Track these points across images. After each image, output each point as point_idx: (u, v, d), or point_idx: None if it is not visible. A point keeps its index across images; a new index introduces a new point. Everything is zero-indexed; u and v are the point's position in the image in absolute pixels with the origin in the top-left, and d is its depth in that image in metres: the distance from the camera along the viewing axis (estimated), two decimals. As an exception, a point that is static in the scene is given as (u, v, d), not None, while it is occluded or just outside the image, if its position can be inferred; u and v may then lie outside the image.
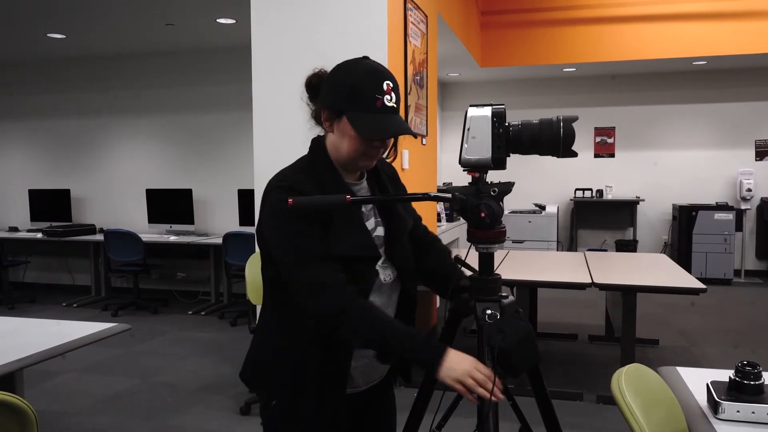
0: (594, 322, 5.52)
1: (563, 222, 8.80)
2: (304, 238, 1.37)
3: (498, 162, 1.39)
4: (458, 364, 1.31)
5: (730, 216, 7.63)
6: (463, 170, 1.43)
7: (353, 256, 1.40)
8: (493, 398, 1.30)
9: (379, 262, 1.49)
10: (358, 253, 1.42)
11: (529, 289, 4.46)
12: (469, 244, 1.46)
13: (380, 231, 1.52)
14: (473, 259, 1.44)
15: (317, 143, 1.50)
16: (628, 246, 8.18)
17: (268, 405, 1.52)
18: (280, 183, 1.41)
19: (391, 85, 1.40)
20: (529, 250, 5.40)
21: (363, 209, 1.49)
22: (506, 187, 1.39)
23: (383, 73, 1.40)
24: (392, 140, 1.47)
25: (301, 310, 1.39)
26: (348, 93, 1.38)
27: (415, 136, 1.35)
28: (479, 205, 1.37)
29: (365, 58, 1.45)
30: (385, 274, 1.50)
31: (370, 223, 1.50)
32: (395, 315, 1.55)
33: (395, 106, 1.40)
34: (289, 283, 1.41)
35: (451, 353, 1.33)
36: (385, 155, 1.50)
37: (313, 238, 1.37)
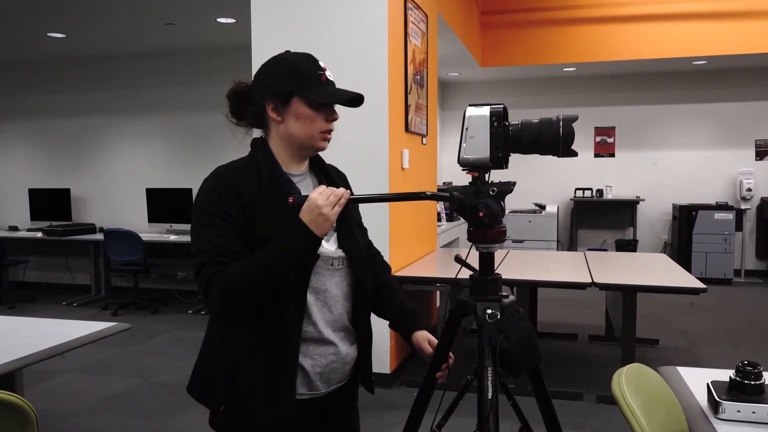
0: (594, 322, 5.52)
1: (563, 222, 8.80)
2: (213, 235, 1.35)
3: (496, 161, 1.39)
4: (311, 213, 1.32)
5: (730, 216, 7.63)
6: (462, 170, 1.43)
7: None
8: None
9: (331, 249, 1.47)
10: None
11: (529, 289, 4.46)
12: (470, 243, 1.46)
13: None
14: (473, 258, 1.44)
15: (259, 142, 1.51)
16: (628, 246, 8.18)
17: (217, 412, 1.46)
18: (212, 173, 1.43)
19: (324, 65, 1.48)
20: (529, 250, 5.40)
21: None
22: (506, 187, 1.39)
23: (313, 56, 1.49)
24: (337, 119, 1.49)
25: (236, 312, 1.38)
26: (292, 75, 1.42)
27: (362, 98, 1.45)
28: (478, 205, 1.37)
29: (288, 51, 1.52)
30: (336, 260, 1.48)
31: None
32: (351, 302, 1.53)
33: (334, 81, 1.48)
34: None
35: (299, 217, 1.32)
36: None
37: (222, 235, 1.35)
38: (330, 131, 1.48)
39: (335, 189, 1.34)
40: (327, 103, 1.43)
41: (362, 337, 1.58)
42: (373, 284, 1.59)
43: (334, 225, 1.43)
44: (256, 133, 1.56)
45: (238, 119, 1.52)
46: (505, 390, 1.50)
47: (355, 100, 1.44)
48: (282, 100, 1.43)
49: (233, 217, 1.36)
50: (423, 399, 1.58)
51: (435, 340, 1.57)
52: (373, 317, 1.63)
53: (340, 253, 1.49)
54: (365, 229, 1.69)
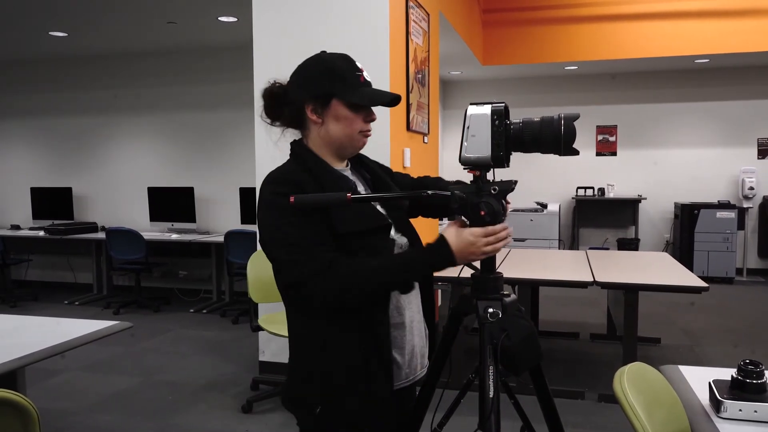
0: (595, 321, 5.51)
1: (565, 220, 8.79)
2: (295, 229, 1.35)
3: (498, 160, 1.38)
4: (464, 245, 1.33)
5: (732, 214, 7.62)
6: (464, 168, 1.43)
7: (364, 230, 1.41)
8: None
9: (392, 233, 1.50)
10: (367, 225, 1.42)
11: (530, 288, 4.46)
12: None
13: (380, 209, 1.54)
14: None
15: (298, 144, 1.52)
16: (629, 244, 8.17)
17: (312, 414, 1.43)
18: (271, 176, 1.44)
19: (361, 65, 1.49)
20: (531, 249, 5.39)
21: (360, 191, 1.52)
22: (507, 186, 1.39)
23: (350, 56, 1.50)
24: (375, 119, 1.51)
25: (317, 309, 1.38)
26: (331, 77, 1.43)
27: (398, 101, 1.47)
28: (479, 204, 1.37)
29: (324, 52, 1.52)
30: (403, 246, 1.51)
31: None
32: (419, 296, 1.56)
33: (371, 81, 1.49)
34: (283, 278, 1.41)
35: (449, 237, 1.35)
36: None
37: (303, 228, 1.35)
38: (369, 131, 1.50)
39: (501, 235, 1.35)
40: (366, 105, 1.45)
41: (429, 316, 1.61)
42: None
43: (386, 215, 1.50)
44: (292, 133, 1.56)
45: (272, 119, 1.53)
46: (507, 389, 1.50)
47: (393, 100, 1.46)
48: (321, 102, 1.44)
49: (310, 217, 1.37)
50: (424, 398, 1.58)
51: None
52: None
53: (404, 239, 1.52)
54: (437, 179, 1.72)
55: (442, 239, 1.35)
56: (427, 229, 4.92)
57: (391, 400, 1.44)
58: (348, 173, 1.54)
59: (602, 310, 5.53)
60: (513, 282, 3.84)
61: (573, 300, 6.38)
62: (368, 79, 1.48)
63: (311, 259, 1.33)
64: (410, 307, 1.51)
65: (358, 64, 1.48)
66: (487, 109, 1.37)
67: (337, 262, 1.33)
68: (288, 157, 1.54)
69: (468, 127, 1.38)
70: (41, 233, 6.82)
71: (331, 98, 1.43)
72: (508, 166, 1.39)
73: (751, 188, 7.75)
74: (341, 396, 1.41)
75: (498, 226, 1.34)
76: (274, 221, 1.38)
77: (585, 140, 8.49)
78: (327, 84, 1.43)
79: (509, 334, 1.30)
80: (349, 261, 1.35)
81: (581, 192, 8.52)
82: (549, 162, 8.42)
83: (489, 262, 1.44)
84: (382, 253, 1.42)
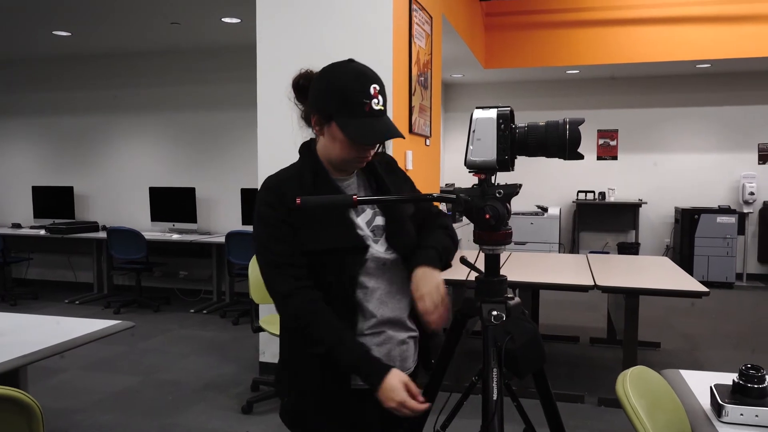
0: (595, 325, 5.52)
1: (565, 224, 8.80)
2: (274, 243, 1.44)
3: (503, 164, 1.39)
4: (394, 393, 1.35)
5: (732, 219, 7.63)
6: (469, 172, 1.44)
7: (335, 248, 1.44)
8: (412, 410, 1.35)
9: (381, 249, 1.50)
10: (340, 244, 1.44)
11: (531, 291, 4.47)
12: (474, 245, 1.47)
13: (379, 220, 1.53)
14: (478, 260, 1.45)
15: (306, 147, 1.55)
16: (630, 249, 8.18)
17: (283, 399, 1.58)
18: (267, 181, 1.50)
19: (378, 88, 1.42)
20: (531, 252, 5.40)
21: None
22: (512, 189, 1.40)
23: (370, 77, 1.43)
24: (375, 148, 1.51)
25: None
26: (336, 98, 1.40)
27: (402, 137, 1.42)
28: (484, 207, 1.37)
29: (351, 60, 1.47)
30: (387, 260, 1.51)
31: (366, 214, 1.52)
32: (407, 299, 1.54)
33: (383, 108, 1.43)
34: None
35: (390, 378, 1.36)
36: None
37: (280, 244, 1.43)
38: (366, 157, 1.49)
39: (412, 404, 1.35)
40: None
41: (420, 329, 1.59)
42: None
43: (383, 224, 1.52)
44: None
45: (298, 100, 1.58)
46: (510, 391, 1.51)
47: (382, 137, 1.43)
48: (323, 119, 1.44)
49: (290, 230, 1.43)
50: (427, 400, 1.59)
51: (423, 285, 1.45)
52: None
53: (391, 254, 1.51)
54: (425, 208, 1.64)
55: (384, 372, 1.37)
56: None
57: (351, 399, 1.47)
58: (352, 181, 1.55)
59: (602, 314, 5.53)
60: (514, 285, 3.84)
61: (573, 304, 6.38)
62: (377, 107, 1.41)
63: (281, 281, 1.43)
64: (383, 311, 1.50)
65: (373, 88, 1.42)
66: (492, 113, 1.38)
67: (298, 294, 1.41)
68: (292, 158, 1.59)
69: (474, 131, 1.39)
70: (42, 232, 6.82)
71: (331, 119, 1.42)
72: (513, 170, 1.40)
73: (752, 193, 7.77)
74: (302, 388, 1.50)
75: (420, 406, 1.35)
76: (258, 232, 1.48)
77: (586, 144, 8.49)
78: (331, 102, 1.42)
79: (513, 337, 1.31)
80: (308, 303, 1.41)
81: (582, 196, 8.53)
82: (550, 166, 8.42)
83: (493, 265, 1.45)
84: (349, 272, 1.44)
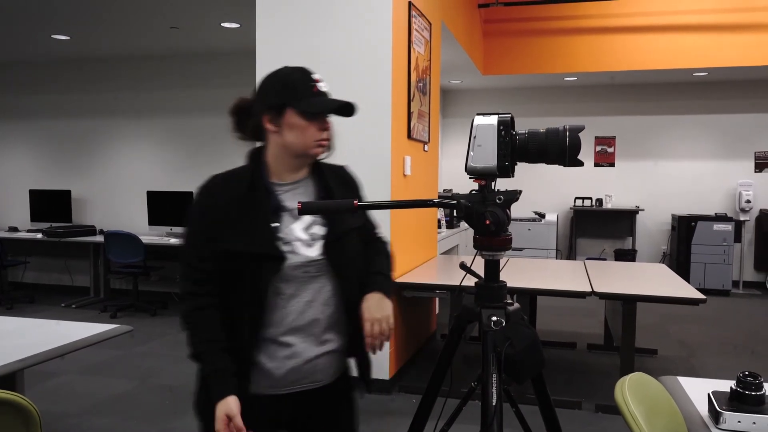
0: (593, 331, 5.52)
1: (563, 230, 8.82)
2: (190, 243, 1.51)
3: (503, 170, 1.40)
4: (215, 421, 1.39)
5: (729, 227, 7.65)
6: (470, 177, 1.44)
7: (250, 253, 1.45)
8: None
9: (313, 253, 1.50)
10: (256, 249, 1.45)
11: (529, 297, 4.47)
12: (475, 250, 1.48)
13: (318, 229, 1.53)
14: (477, 265, 1.45)
15: (251, 152, 1.58)
16: (627, 255, 8.19)
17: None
18: (207, 180, 1.54)
19: (319, 76, 1.53)
20: (529, 258, 5.41)
21: (296, 205, 1.52)
22: (512, 195, 1.41)
23: (308, 69, 1.53)
24: (330, 128, 1.55)
25: None
26: (285, 87, 1.49)
27: (356, 106, 1.51)
28: (485, 213, 1.38)
29: (285, 67, 1.55)
30: (312, 267, 1.51)
31: (304, 220, 1.52)
32: (333, 308, 1.54)
33: (328, 92, 1.53)
34: None
35: (220, 405, 1.40)
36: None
37: (196, 243, 1.49)
38: (325, 139, 1.53)
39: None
40: (316, 113, 1.49)
41: (349, 343, 1.59)
42: (356, 288, 1.56)
43: (323, 232, 1.53)
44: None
45: (242, 133, 1.60)
46: (509, 397, 1.51)
47: (345, 108, 1.49)
48: (276, 112, 1.49)
49: (210, 231, 1.47)
50: (426, 405, 1.59)
51: (376, 310, 1.50)
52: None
53: (321, 259, 1.51)
54: (373, 227, 1.71)
55: (221, 396, 1.41)
56: (427, 237, 4.94)
57: (248, 402, 1.47)
58: (304, 181, 1.57)
59: (599, 320, 5.54)
60: (511, 291, 3.85)
61: (570, 310, 6.39)
62: (323, 89, 1.51)
63: (184, 282, 1.50)
64: (300, 320, 1.50)
65: (315, 75, 1.52)
66: (493, 120, 1.39)
67: (190, 299, 1.48)
68: None
69: (474, 137, 1.40)
70: (39, 235, 6.81)
71: (284, 108, 1.48)
72: (513, 176, 1.41)
73: (748, 201, 7.79)
74: (202, 387, 1.52)
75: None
76: (185, 229, 1.53)
77: (583, 151, 8.31)
78: (281, 94, 1.49)
79: (513, 342, 1.31)
80: (195, 308, 1.47)
81: (579, 202, 8.55)
82: (547, 172, 8.45)
83: (493, 270, 1.45)
84: (263, 278, 1.46)
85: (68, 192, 7.26)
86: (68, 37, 6.26)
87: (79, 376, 4.41)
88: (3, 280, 7.13)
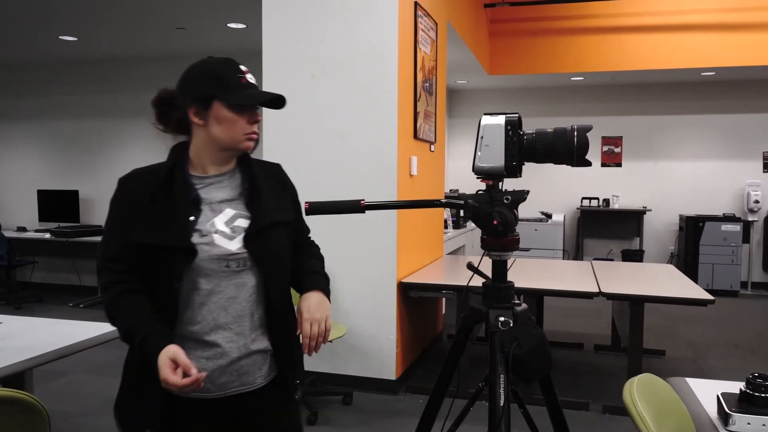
0: (600, 332, 5.50)
1: (569, 231, 8.79)
2: (109, 236, 1.48)
3: (511, 170, 1.40)
4: (161, 371, 1.31)
5: (737, 227, 7.61)
6: (477, 177, 1.44)
7: (161, 245, 1.40)
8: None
9: (233, 247, 1.45)
10: (167, 242, 1.41)
11: (536, 298, 4.46)
12: (482, 251, 1.47)
13: (241, 222, 1.48)
14: (485, 266, 1.45)
15: (175, 147, 1.53)
16: (634, 256, 8.16)
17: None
18: (127, 174, 1.53)
19: (246, 68, 1.48)
20: (536, 258, 5.39)
21: (220, 200, 1.49)
22: (519, 195, 1.40)
23: (234, 60, 1.48)
24: (260, 121, 1.50)
25: None
26: (212, 79, 1.43)
27: (284, 99, 1.46)
28: (492, 213, 1.38)
29: (209, 57, 1.52)
30: (234, 262, 1.45)
31: (226, 213, 1.48)
32: (258, 305, 1.50)
33: (256, 84, 1.48)
34: None
35: (161, 355, 1.32)
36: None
37: (115, 236, 1.46)
38: (254, 133, 1.48)
39: (173, 380, 1.30)
40: (247, 106, 1.44)
41: (275, 342, 1.53)
42: (283, 286, 1.54)
43: (246, 225, 1.48)
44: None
45: (164, 126, 1.55)
46: (517, 398, 1.51)
47: (275, 101, 1.45)
48: (203, 105, 1.44)
49: (126, 224, 1.44)
50: (433, 405, 1.59)
51: (315, 310, 1.46)
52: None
53: (242, 253, 1.46)
54: (307, 230, 1.67)
55: (159, 349, 1.34)
56: (433, 237, 4.93)
57: (178, 409, 1.45)
58: (231, 173, 1.53)
59: (607, 321, 5.52)
60: (518, 292, 3.83)
61: (577, 311, 6.37)
62: (252, 81, 1.47)
63: (104, 274, 1.46)
64: (221, 317, 1.45)
65: (242, 67, 1.47)
66: (501, 120, 1.38)
67: (113, 288, 1.44)
68: None
69: (482, 137, 1.39)
70: (47, 235, 6.84)
71: (212, 100, 1.43)
72: (520, 176, 1.41)
73: (757, 201, 7.75)
74: (123, 392, 1.52)
75: (180, 381, 1.30)
76: (105, 223, 1.52)
77: (590, 151, 8.42)
78: (208, 86, 1.43)
79: (520, 343, 1.31)
80: (118, 294, 1.43)
81: (586, 203, 8.52)
82: (554, 172, 8.43)
83: (500, 271, 1.45)
84: (174, 272, 1.41)
85: (76, 192, 7.29)
86: (75, 38, 6.28)
87: (86, 375, 4.43)
88: (11, 279, 7.16)
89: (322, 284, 1.53)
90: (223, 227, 1.46)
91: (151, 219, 1.42)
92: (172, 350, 1.33)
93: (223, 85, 1.42)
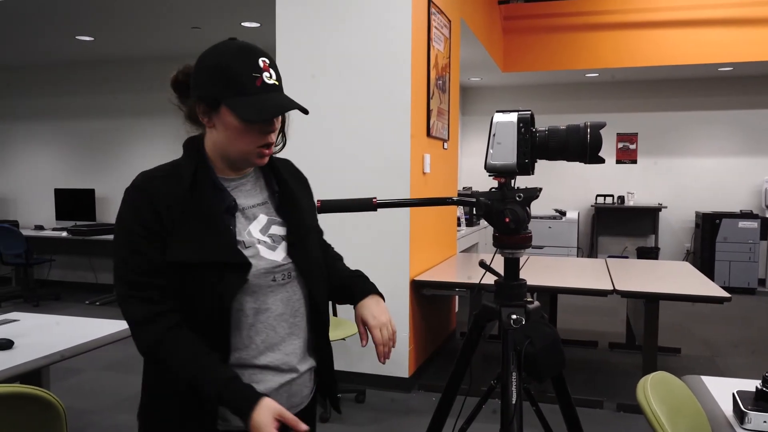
0: (614, 330, 5.47)
1: (584, 228, 8.74)
2: (132, 256, 1.20)
3: (523, 167, 1.39)
4: (264, 425, 1.11)
5: (754, 224, 7.52)
6: (489, 175, 1.44)
7: (209, 262, 1.20)
8: None
9: (277, 259, 1.29)
10: (215, 257, 1.20)
11: (549, 295, 4.44)
12: (494, 249, 1.47)
13: (277, 229, 1.32)
14: (497, 263, 1.45)
15: (191, 142, 1.32)
16: (649, 253, 8.09)
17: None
18: (133, 182, 1.27)
19: (268, 61, 1.22)
20: (550, 256, 5.37)
21: (252, 205, 1.30)
22: (532, 193, 1.40)
23: (256, 50, 1.23)
24: (280, 124, 1.29)
25: None
26: (221, 78, 1.19)
27: (305, 111, 1.24)
28: (504, 210, 1.38)
29: (233, 39, 1.26)
30: (279, 274, 1.29)
31: (260, 221, 1.30)
32: (304, 318, 1.35)
33: (277, 83, 1.23)
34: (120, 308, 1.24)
35: (258, 413, 1.12)
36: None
37: (142, 255, 1.20)
38: (269, 144, 1.25)
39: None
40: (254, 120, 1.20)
41: (319, 356, 1.39)
42: (325, 295, 1.40)
43: (283, 233, 1.32)
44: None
45: (180, 102, 1.35)
46: (529, 396, 1.50)
47: (276, 112, 1.22)
48: (211, 106, 1.22)
49: (155, 238, 1.20)
50: (445, 403, 1.59)
51: (380, 314, 1.37)
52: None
53: (288, 264, 1.30)
54: (322, 232, 1.52)
55: (252, 405, 1.13)
56: (447, 235, 4.92)
57: None
58: (250, 176, 1.33)
59: (621, 319, 5.48)
60: (532, 289, 3.82)
61: (592, 309, 6.33)
62: (270, 81, 1.21)
63: (137, 306, 1.19)
64: (271, 338, 1.28)
65: (262, 61, 1.21)
66: (513, 117, 1.38)
67: (155, 322, 1.18)
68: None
69: (494, 135, 1.39)
70: (64, 234, 6.92)
71: (219, 103, 1.20)
72: (533, 174, 1.40)
73: (775, 198, 7.65)
74: (155, 395, 1.29)
75: None
76: (117, 241, 1.24)
77: (605, 147, 8.30)
78: (215, 85, 1.20)
79: (533, 341, 1.31)
80: (166, 330, 1.18)
81: (600, 200, 8.46)
82: (568, 169, 8.38)
83: (513, 269, 1.44)
84: (225, 292, 1.20)
85: (92, 191, 7.36)
86: (92, 38, 6.34)
87: (102, 372, 4.48)
88: (29, 277, 7.25)
89: (373, 287, 1.43)
90: (261, 236, 1.29)
91: (187, 232, 1.20)
92: (272, 407, 1.13)
93: (233, 88, 1.19)
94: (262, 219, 1.30)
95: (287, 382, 1.30)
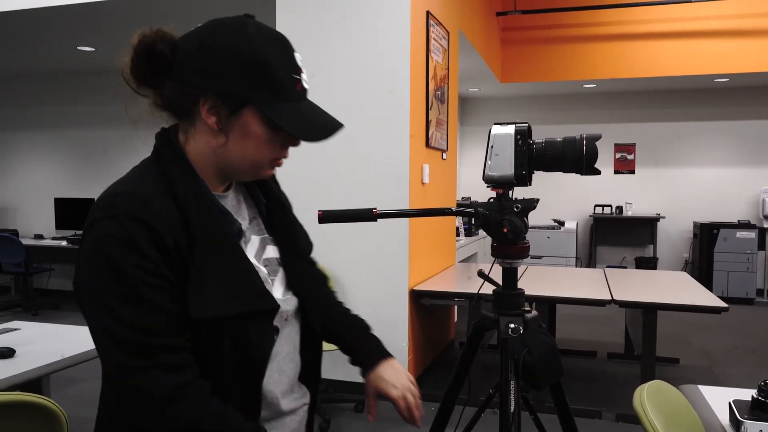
0: (613, 340, 5.48)
1: (582, 238, 8.76)
2: (139, 313, 0.90)
3: (521, 179, 1.42)
4: None
5: (752, 234, 7.55)
6: (487, 186, 1.46)
7: (239, 313, 0.96)
8: None
9: (278, 292, 1.08)
10: (242, 308, 0.97)
11: (548, 305, 4.45)
12: (492, 258, 1.49)
13: (272, 252, 1.11)
14: (495, 273, 1.46)
15: (167, 143, 1.07)
16: (648, 263, 8.11)
17: None
18: (113, 209, 0.95)
19: (300, 58, 1.01)
20: (548, 266, 5.38)
21: (243, 227, 1.07)
22: (529, 204, 1.42)
23: (289, 44, 1.00)
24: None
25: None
26: (256, 74, 0.94)
27: (342, 126, 0.98)
28: (502, 221, 1.39)
29: (248, 16, 1.00)
30: (286, 312, 1.09)
31: (253, 243, 1.08)
32: (301, 352, 1.16)
33: (307, 88, 1.02)
34: (108, 376, 0.97)
35: None
36: None
37: (155, 310, 0.91)
38: (282, 159, 1.04)
39: None
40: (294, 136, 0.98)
41: (312, 387, 1.21)
42: (321, 321, 1.20)
43: (277, 255, 1.12)
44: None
45: (138, 83, 1.07)
46: (528, 405, 1.52)
47: (329, 134, 0.99)
48: (230, 106, 0.96)
49: (167, 287, 0.92)
50: (444, 412, 1.60)
51: (400, 380, 1.23)
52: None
53: (293, 301, 1.11)
54: (311, 244, 1.26)
55: None
56: (446, 245, 4.94)
57: None
58: (232, 192, 1.10)
59: (620, 329, 5.49)
60: (530, 299, 3.84)
61: (590, 319, 6.34)
62: (307, 85, 1.01)
63: (156, 378, 0.90)
64: (281, 384, 1.11)
65: (298, 58, 0.99)
66: (510, 129, 1.40)
67: (188, 396, 0.92)
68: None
69: (492, 146, 1.41)
70: (64, 243, 6.93)
71: (244, 105, 0.96)
72: (530, 185, 1.42)
73: (772, 208, 7.69)
74: None
75: None
76: (109, 291, 0.91)
77: (603, 158, 8.48)
78: (247, 84, 0.94)
79: (530, 350, 1.32)
80: (204, 403, 0.94)
81: (599, 210, 8.49)
82: (566, 180, 8.41)
83: (511, 278, 1.46)
84: (258, 347, 1.00)
85: (92, 200, 7.37)
86: (93, 49, 6.38)
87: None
88: (28, 286, 7.25)
89: (383, 351, 1.25)
90: (256, 262, 1.05)
91: (207, 274, 0.93)
92: None
93: (270, 90, 0.94)
94: (255, 241, 1.08)
95: (299, 425, 1.16)
